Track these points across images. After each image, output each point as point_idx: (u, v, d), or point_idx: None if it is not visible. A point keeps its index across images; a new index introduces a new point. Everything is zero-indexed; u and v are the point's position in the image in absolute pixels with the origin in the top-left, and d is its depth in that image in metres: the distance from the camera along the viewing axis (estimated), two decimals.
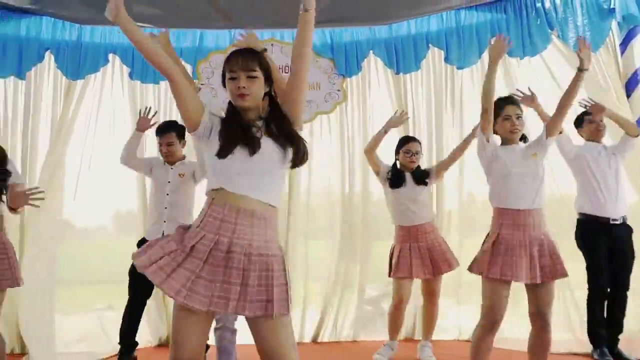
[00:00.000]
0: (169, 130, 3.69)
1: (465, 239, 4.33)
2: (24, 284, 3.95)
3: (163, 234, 3.56)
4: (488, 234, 2.85)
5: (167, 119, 4.30)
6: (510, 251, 2.69)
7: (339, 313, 4.44)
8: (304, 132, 4.34)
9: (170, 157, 3.70)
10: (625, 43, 4.24)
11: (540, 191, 2.78)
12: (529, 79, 4.28)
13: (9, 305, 4.01)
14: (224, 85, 2.01)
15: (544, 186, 2.82)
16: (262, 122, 1.97)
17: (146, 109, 3.83)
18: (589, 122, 3.76)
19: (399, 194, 3.77)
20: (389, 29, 4.54)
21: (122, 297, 3.67)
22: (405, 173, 3.80)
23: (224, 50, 4.38)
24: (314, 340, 4.42)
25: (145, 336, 4.14)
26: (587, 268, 3.63)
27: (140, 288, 3.60)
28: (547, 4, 4.33)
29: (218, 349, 2.86)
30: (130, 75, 4.41)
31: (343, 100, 4.52)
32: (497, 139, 2.93)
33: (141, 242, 3.69)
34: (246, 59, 1.95)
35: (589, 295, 3.62)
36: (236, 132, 1.90)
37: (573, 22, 4.26)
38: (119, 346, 3.63)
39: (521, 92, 3.62)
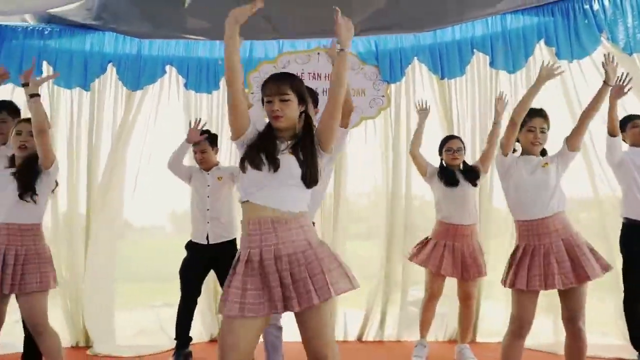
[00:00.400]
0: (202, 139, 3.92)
1: (512, 240, 4.33)
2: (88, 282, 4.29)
3: (208, 235, 3.79)
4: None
5: (219, 126, 4.56)
6: (523, 260, 2.78)
7: (384, 313, 4.55)
8: (349, 138, 4.50)
9: (204, 164, 3.92)
10: None
11: (553, 198, 2.83)
12: (580, 81, 4.29)
13: (74, 302, 4.35)
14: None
15: (558, 194, 2.85)
16: (292, 141, 2.16)
17: (196, 120, 4.00)
18: (632, 126, 3.73)
19: (453, 192, 3.83)
20: (434, 35, 4.59)
21: (177, 295, 3.89)
22: (456, 172, 3.89)
23: (273, 60, 4.58)
24: (359, 339, 4.54)
25: (199, 332, 4.36)
26: (624, 271, 3.61)
27: (190, 287, 3.84)
28: (596, 6, 4.27)
29: (265, 344, 3.03)
30: (185, 86, 4.65)
31: (387, 105, 4.62)
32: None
33: (188, 245, 3.93)
34: (278, 84, 2.15)
35: (625, 300, 3.60)
36: (259, 150, 2.12)
37: (623, 23, 4.18)
38: (175, 341, 3.88)
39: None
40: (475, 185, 3.85)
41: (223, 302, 2.04)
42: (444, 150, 3.93)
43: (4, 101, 3.48)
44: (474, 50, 4.55)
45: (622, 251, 3.66)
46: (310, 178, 2.13)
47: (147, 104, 4.64)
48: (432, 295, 3.86)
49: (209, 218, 3.84)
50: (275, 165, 2.09)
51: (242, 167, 2.13)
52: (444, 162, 3.95)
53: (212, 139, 3.98)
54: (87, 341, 4.31)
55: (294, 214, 2.11)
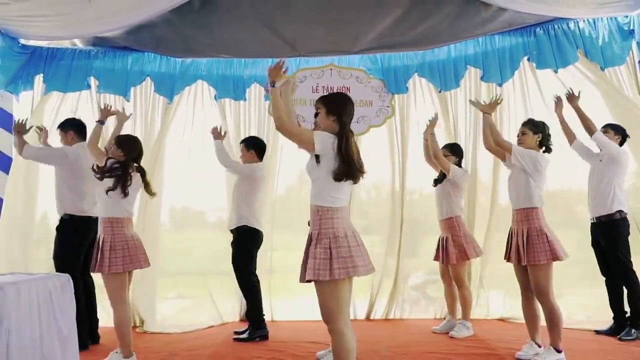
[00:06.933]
0: None
1: None
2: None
3: None
4: None
5: (246, 129, 5.18)
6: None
7: (390, 296, 5.14)
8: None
9: None
10: None
11: (520, 193, 3.55)
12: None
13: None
14: None
15: (521, 189, 3.55)
16: None
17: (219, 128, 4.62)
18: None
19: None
20: (432, 53, 5.16)
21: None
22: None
23: (291, 76, 5.15)
24: (367, 318, 5.17)
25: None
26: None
27: None
28: (572, 26, 4.86)
29: None
30: (215, 97, 5.24)
31: (392, 114, 5.23)
32: None
33: None
34: None
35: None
36: None
37: (596, 41, 4.77)
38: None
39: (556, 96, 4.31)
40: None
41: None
42: None
43: None
44: (467, 65, 5.14)
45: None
46: None
47: (181, 112, 5.22)
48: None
49: None
50: None
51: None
52: None
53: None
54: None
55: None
